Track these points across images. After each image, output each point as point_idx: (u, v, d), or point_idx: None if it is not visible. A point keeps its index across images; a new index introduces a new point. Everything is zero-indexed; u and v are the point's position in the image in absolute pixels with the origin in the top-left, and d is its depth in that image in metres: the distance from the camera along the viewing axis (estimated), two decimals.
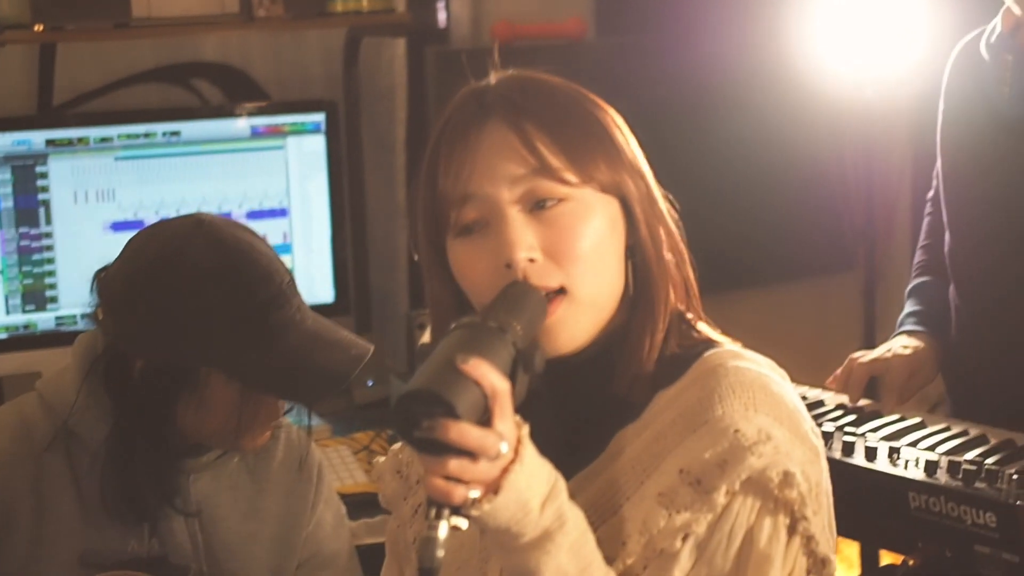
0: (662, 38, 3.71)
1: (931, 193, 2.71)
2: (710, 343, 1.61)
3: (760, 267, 3.98)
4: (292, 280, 2.04)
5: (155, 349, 1.96)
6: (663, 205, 1.61)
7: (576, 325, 1.52)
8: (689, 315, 1.64)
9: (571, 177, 1.51)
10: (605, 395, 1.57)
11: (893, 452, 2.23)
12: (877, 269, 3.54)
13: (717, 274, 3.94)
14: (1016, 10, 2.42)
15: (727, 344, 1.62)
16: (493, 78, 1.60)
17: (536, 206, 1.51)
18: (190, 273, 1.95)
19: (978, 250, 2.51)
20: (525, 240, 1.49)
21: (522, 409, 1.38)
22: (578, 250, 1.50)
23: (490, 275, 1.50)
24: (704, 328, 1.64)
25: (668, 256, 1.59)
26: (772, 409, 1.50)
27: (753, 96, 3.79)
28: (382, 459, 1.81)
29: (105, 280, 2.02)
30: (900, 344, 2.57)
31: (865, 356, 2.53)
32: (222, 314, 1.94)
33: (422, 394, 1.28)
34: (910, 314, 2.65)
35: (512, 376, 1.36)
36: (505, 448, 1.32)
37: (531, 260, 1.49)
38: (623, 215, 1.57)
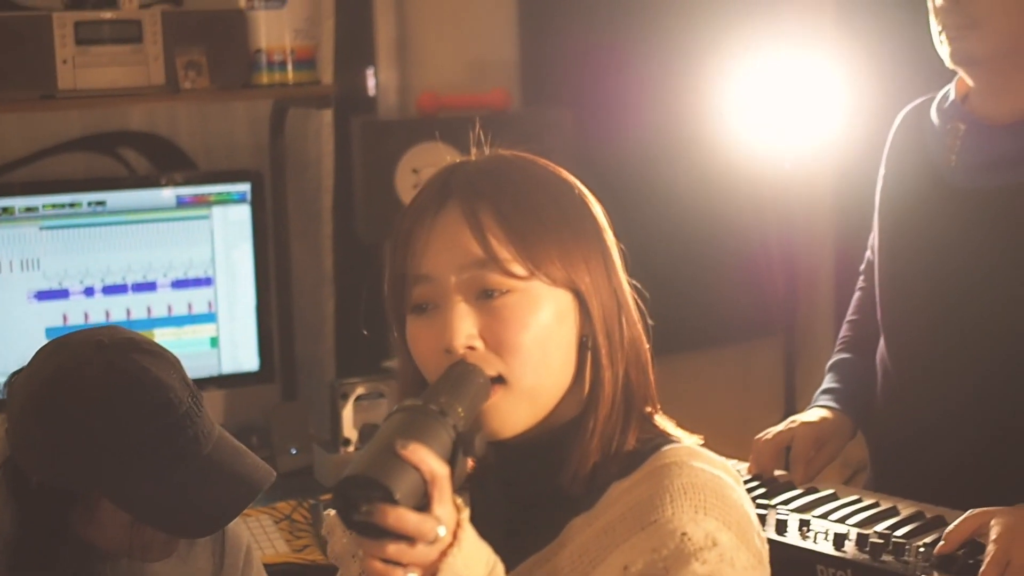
0: (585, 110, 3.77)
1: (863, 265, 2.74)
2: (667, 438, 1.61)
3: (682, 333, 4.02)
4: (194, 404, 1.98)
5: (45, 470, 1.94)
6: (627, 295, 1.63)
7: (512, 413, 1.53)
8: (647, 409, 1.64)
9: (519, 270, 1.52)
10: (555, 483, 1.57)
11: (803, 525, 2.26)
12: (799, 336, 3.59)
13: None
14: (969, 81, 2.46)
15: (685, 440, 1.62)
16: (473, 154, 1.64)
17: (482, 295, 1.52)
18: (81, 402, 1.92)
19: (913, 316, 2.52)
20: (464, 329, 1.51)
21: (474, 488, 1.40)
22: (519, 342, 1.51)
23: (435, 356, 1.53)
24: (661, 421, 1.65)
25: (627, 349, 1.60)
26: (722, 513, 1.51)
27: (675, 166, 3.85)
28: (334, 513, 1.82)
29: (11, 389, 2.00)
30: (807, 416, 2.60)
31: (768, 433, 2.57)
32: (110, 445, 1.91)
33: (361, 479, 1.31)
34: (826, 391, 2.68)
35: (452, 460, 1.38)
36: (443, 532, 1.34)
37: (471, 347, 1.51)
38: (577, 307, 1.57)
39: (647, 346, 1.65)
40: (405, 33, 3.76)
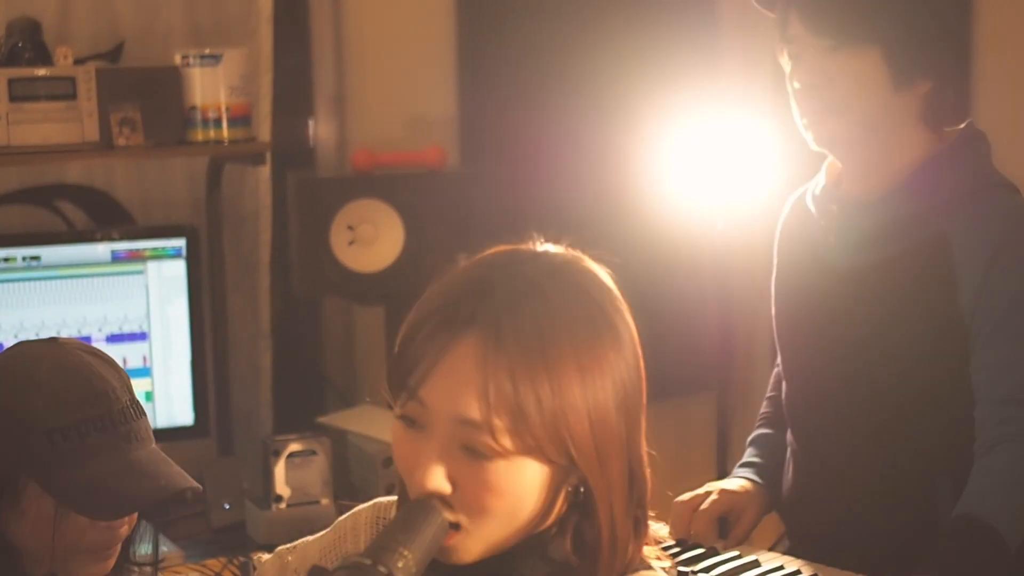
0: (522, 167, 3.80)
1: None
2: (644, 564, 1.57)
3: None
4: (132, 408, 2.03)
5: None
6: (642, 458, 1.53)
7: (467, 554, 1.49)
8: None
9: (510, 444, 1.43)
10: None
11: None
12: (734, 393, 3.62)
13: None
14: (839, 163, 2.53)
15: (658, 570, 1.59)
16: (503, 273, 1.49)
17: (468, 449, 1.44)
18: (21, 383, 1.99)
19: (809, 396, 2.59)
20: (438, 478, 1.44)
21: None
22: (489, 508, 1.45)
23: (407, 468, 1.49)
24: (645, 551, 1.59)
25: (624, 515, 1.51)
26: None
27: (610, 224, 3.88)
28: (267, 557, 1.82)
29: None
30: (728, 484, 2.64)
31: (685, 496, 2.60)
32: (41, 425, 1.96)
33: None
34: (745, 464, 2.72)
35: None
36: None
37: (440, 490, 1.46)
38: (566, 471, 1.48)
39: (648, 484, 1.56)
40: (344, 88, 3.79)
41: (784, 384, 2.66)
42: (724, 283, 3.74)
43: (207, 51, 3.23)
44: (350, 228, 3.42)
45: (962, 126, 2.50)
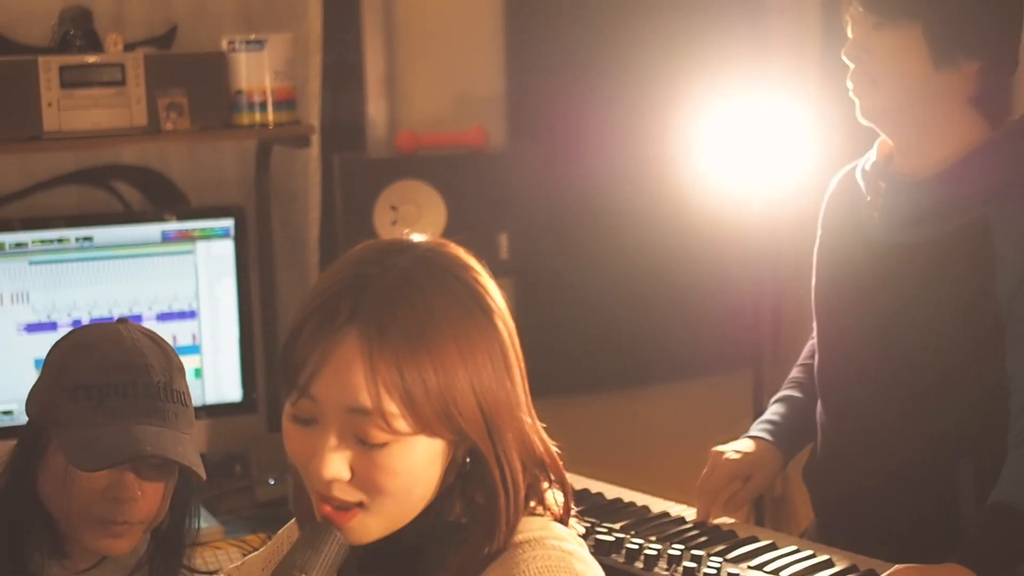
0: (561, 149, 3.85)
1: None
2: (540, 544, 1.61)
3: (653, 365, 4.12)
4: (161, 391, 2.08)
5: (30, 403, 2.13)
6: (525, 425, 1.60)
7: (367, 533, 1.56)
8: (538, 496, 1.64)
9: (403, 426, 1.51)
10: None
11: None
12: (768, 370, 3.65)
13: (609, 372, 3.98)
14: (890, 141, 2.55)
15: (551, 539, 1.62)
16: (376, 267, 1.55)
17: (361, 440, 1.51)
18: (74, 343, 2.13)
19: (846, 370, 2.62)
20: (335, 467, 1.52)
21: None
22: (387, 487, 1.53)
23: (305, 464, 1.55)
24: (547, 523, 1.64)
25: (520, 476, 1.58)
26: None
27: (649, 203, 3.93)
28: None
29: None
30: (733, 449, 2.69)
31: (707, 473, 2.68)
32: (71, 382, 2.06)
33: None
34: (763, 421, 2.77)
35: None
36: None
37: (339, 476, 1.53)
38: (455, 443, 1.56)
39: (557, 460, 1.64)
40: (393, 68, 3.84)
41: (817, 355, 2.69)
42: (761, 263, 3.76)
43: (252, 37, 3.30)
44: (393, 208, 3.48)
45: (1016, 117, 2.53)
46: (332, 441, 1.52)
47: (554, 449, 1.65)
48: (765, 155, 3.46)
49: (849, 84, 2.52)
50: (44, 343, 3.22)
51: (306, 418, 1.54)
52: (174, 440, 2.07)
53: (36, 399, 2.13)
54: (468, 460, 1.58)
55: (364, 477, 1.52)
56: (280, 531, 1.90)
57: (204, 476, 2.11)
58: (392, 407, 1.50)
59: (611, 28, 3.97)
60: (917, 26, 2.42)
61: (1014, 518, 2.30)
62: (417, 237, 1.63)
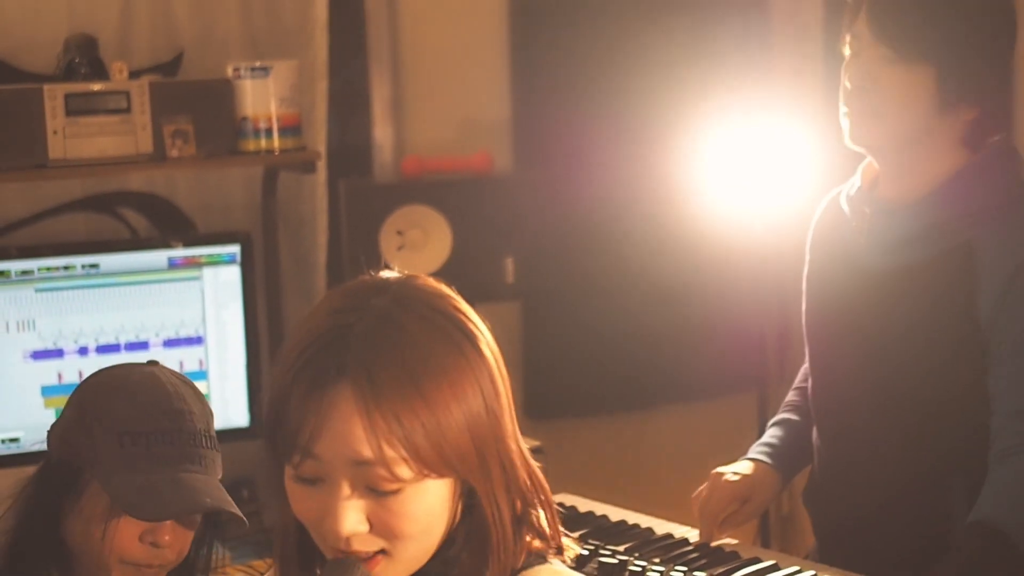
0: (566, 174, 3.87)
1: None
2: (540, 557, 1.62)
3: (657, 388, 4.13)
4: (203, 439, 2.09)
5: (60, 443, 2.10)
6: (517, 457, 1.59)
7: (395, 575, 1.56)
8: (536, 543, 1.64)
9: (408, 473, 1.49)
10: None
11: None
12: (772, 393, 3.66)
13: (615, 395, 3.99)
14: (875, 166, 2.56)
15: (554, 562, 1.63)
16: (355, 315, 1.52)
17: (371, 486, 1.50)
18: (113, 386, 2.10)
19: (839, 394, 2.63)
20: (351, 522, 1.50)
21: None
22: (406, 532, 1.52)
23: (319, 524, 1.54)
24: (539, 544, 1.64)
25: (517, 506, 1.59)
26: None
27: (653, 226, 3.95)
28: None
29: None
30: (732, 470, 2.69)
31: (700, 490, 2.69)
32: (117, 426, 2.05)
33: None
34: (762, 444, 2.78)
35: None
36: None
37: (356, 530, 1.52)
38: (461, 483, 1.56)
39: (542, 481, 1.64)
40: (399, 94, 3.86)
41: (810, 380, 2.71)
42: (766, 286, 3.77)
43: (257, 64, 3.32)
44: (399, 233, 3.49)
45: (995, 139, 2.53)
46: (344, 492, 1.50)
47: (538, 471, 1.64)
48: (768, 178, 3.48)
49: (843, 108, 2.51)
50: (50, 370, 3.28)
51: (312, 478, 1.52)
52: (217, 488, 2.09)
53: (69, 439, 2.09)
54: (465, 494, 1.57)
55: (383, 525, 1.51)
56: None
57: (247, 522, 2.13)
58: (394, 455, 1.48)
59: (615, 54, 4.00)
60: (931, 70, 2.42)
61: (992, 535, 2.32)
62: (386, 273, 1.60)
